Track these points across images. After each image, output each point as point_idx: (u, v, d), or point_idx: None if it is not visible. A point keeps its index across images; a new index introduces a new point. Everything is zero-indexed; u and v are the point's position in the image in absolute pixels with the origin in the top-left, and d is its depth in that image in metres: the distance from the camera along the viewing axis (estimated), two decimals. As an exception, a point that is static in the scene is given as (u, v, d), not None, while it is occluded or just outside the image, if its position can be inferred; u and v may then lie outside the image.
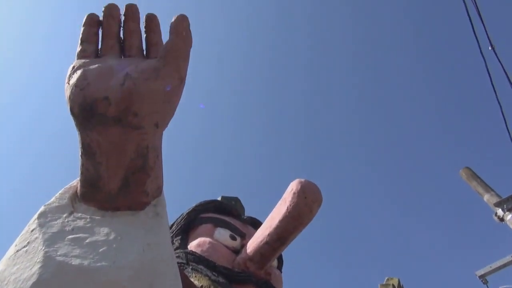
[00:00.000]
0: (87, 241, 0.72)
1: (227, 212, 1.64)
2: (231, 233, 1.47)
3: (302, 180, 1.28)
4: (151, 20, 0.96)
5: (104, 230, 0.75)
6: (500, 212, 7.25)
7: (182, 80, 0.85)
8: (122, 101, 0.76)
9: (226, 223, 1.52)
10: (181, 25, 0.87)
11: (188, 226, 1.53)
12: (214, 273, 1.20)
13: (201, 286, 1.10)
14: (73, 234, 0.73)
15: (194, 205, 1.63)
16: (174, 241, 1.48)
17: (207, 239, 1.40)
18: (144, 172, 0.82)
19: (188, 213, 1.58)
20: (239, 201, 1.97)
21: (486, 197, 7.69)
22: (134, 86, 0.77)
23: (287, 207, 1.25)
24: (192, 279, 1.14)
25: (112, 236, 0.74)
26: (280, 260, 1.67)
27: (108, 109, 0.76)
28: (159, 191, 0.88)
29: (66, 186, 0.90)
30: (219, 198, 1.88)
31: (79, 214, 0.79)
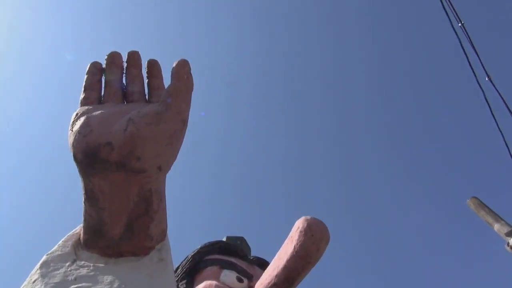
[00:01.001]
0: (90, 290, 0.70)
1: (232, 253, 1.61)
2: (237, 275, 1.43)
3: (308, 217, 1.27)
4: (153, 66, 0.99)
5: (108, 278, 0.73)
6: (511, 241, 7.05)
7: (184, 123, 0.86)
8: (125, 145, 0.76)
9: (232, 264, 1.49)
10: (182, 69, 0.89)
11: (193, 269, 1.50)
12: None
13: (208, 334, 1.05)
14: (75, 284, 0.71)
15: (198, 247, 1.60)
16: (179, 285, 1.45)
17: (213, 282, 1.37)
18: (147, 216, 0.82)
19: (193, 256, 1.55)
20: (245, 240, 1.93)
21: (497, 227, 7.52)
22: (137, 131, 0.78)
23: (294, 246, 1.23)
24: (198, 326, 1.09)
25: (115, 285, 0.72)
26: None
27: (111, 154, 0.76)
28: (163, 235, 0.87)
29: (69, 233, 0.88)
30: (224, 239, 1.85)
31: (82, 262, 0.78)
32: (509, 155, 5.88)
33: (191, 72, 0.92)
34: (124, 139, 0.77)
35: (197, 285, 1.39)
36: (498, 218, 7.69)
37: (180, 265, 1.57)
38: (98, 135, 0.78)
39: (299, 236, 1.22)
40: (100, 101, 0.93)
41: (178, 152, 0.88)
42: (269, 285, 1.26)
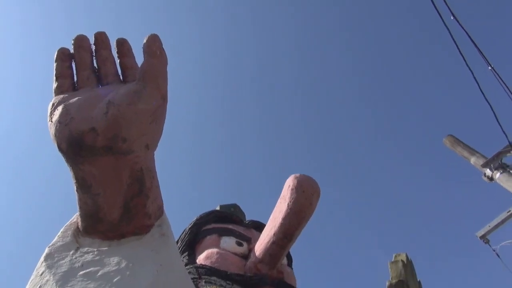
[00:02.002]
0: (99, 273, 0.71)
1: (228, 220, 1.64)
2: (236, 239, 1.47)
3: (297, 175, 1.30)
4: (122, 44, 0.96)
5: (114, 259, 0.75)
6: (488, 172, 7.43)
7: (164, 99, 0.85)
8: (109, 129, 0.76)
9: (230, 230, 1.52)
10: (153, 45, 0.87)
11: (193, 241, 1.53)
12: (228, 282, 1.21)
13: (218, 297, 1.10)
14: (84, 270, 0.72)
15: (194, 219, 1.63)
16: (182, 258, 1.48)
17: (215, 250, 1.40)
18: (142, 195, 0.82)
19: (190, 228, 1.58)
20: (238, 207, 1.98)
21: (473, 160, 7.88)
22: (119, 112, 0.77)
23: (288, 204, 1.26)
24: (207, 292, 1.14)
25: (123, 264, 0.73)
26: (289, 257, 1.68)
27: (96, 139, 0.75)
28: (160, 211, 0.88)
29: (67, 223, 0.89)
30: (217, 208, 1.88)
31: (86, 249, 0.79)
32: (480, 91, 6.06)
33: (163, 46, 0.90)
34: (107, 123, 0.76)
35: (198, 255, 1.43)
36: (473, 151, 8.04)
37: (179, 239, 1.60)
38: (80, 122, 0.77)
39: (291, 194, 1.26)
40: (74, 87, 0.90)
41: (162, 128, 0.87)
42: (269, 244, 1.30)
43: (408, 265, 1.82)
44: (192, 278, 1.27)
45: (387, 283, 1.70)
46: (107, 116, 0.76)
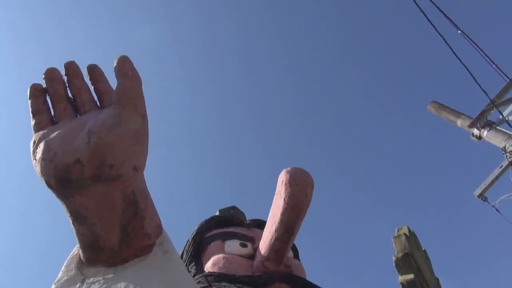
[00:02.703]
0: (108, 302, 0.72)
1: (229, 223, 1.65)
2: (240, 241, 1.49)
3: (289, 169, 1.31)
4: (93, 70, 0.96)
5: (121, 285, 0.76)
6: (476, 131, 7.56)
7: (144, 118, 0.86)
8: (94, 158, 0.76)
9: (232, 233, 1.54)
10: (124, 66, 0.88)
11: (197, 250, 1.54)
12: (238, 285, 1.22)
13: (230, 302, 1.11)
14: (92, 301, 0.73)
15: (196, 228, 1.63)
16: (189, 268, 1.49)
17: (220, 255, 1.41)
18: (139, 217, 0.83)
19: (193, 238, 1.58)
20: (237, 208, 1.99)
21: (459, 122, 8.00)
22: (100, 140, 0.77)
23: (284, 199, 1.28)
24: (219, 299, 1.15)
25: None
26: (295, 249, 1.70)
27: (83, 170, 0.76)
28: (159, 229, 0.89)
29: (68, 257, 0.89)
30: (217, 213, 1.89)
31: (91, 279, 0.79)
32: (455, 56, 6.13)
33: (134, 66, 0.90)
34: (90, 152, 0.76)
35: (205, 263, 1.44)
36: (459, 114, 8.17)
37: (184, 250, 1.60)
38: (64, 156, 0.77)
39: (286, 189, 1.28)
40: (53, 121, 0.90)
41: (147, 147, 0.88)
42: (272, 241, 1.32)
43: (411, 237, 1.86)
44: (202, 287, 1.28)
45: (394, 258, 1.73)
46: (90, 146, 0.76)
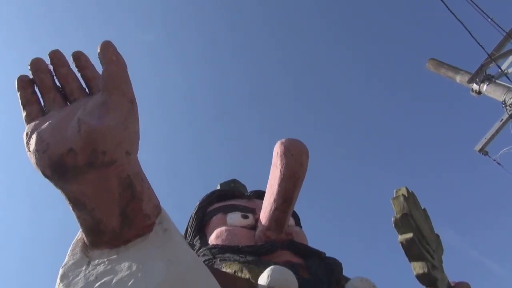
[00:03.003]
0: (113, 281, 0.75)
1: (230, 196, 1.68)
2: (241, 213, 1.52)
3: (283, 140, 1.33)
4: (78, 58, 0.95)
5: (125, 264, 0.79)
6: (475, 86, 7.50)
7: (132, 102, 0.86)
8: (86, 146, 0.77)
9: (234, 206, 1.57)
10: (108, 52, 0.87)
11: (200, 225, 1.58)
12: (241, 255, 1.26)
13: (234, 272, 1.16)
14: (98, 281, 0.76)
15: (198, 203, 1.67)
16: (194, 242, 1.53)
17: (223, 228, 1.45)
18: (136, 199, 0.85)
19: (196, 213, 1.62)
20: (238, 181, 2.01)
21: (458, 78, 7.92)
22: (91, 128, 0.78)
23: (280, 170, 1.30)
24: (224, 269, 1.19)
25: (134, 267, 0.77)
26: (296, 217, 1.74)
27: (76, 159, 0.77)
28: (158, 208, 0.92)
29: (73, 241, 0.92)
30: (218, 187, 1.92)
31: (96, 261, 0.82)
32: (450, 12, 5.97)
33: (117, 49, 0.90)
34: (82, 140, 0.78)
35: (209, 236, 1.48)
36: (457, 70, 8.07)
37: (188, 225, 1.65)
38: (56, 146, 0.78)
39: (281, 160, 1.29)
40: (43, 112, 0.91)
41: (138, 130, 0.89)
42: (271, 211, 1.35)
43: (409, 198, 1.89)
44: (207, 260, 1.32)
45: (393, 219, 1.77)
46: (81, 134, 0.78)
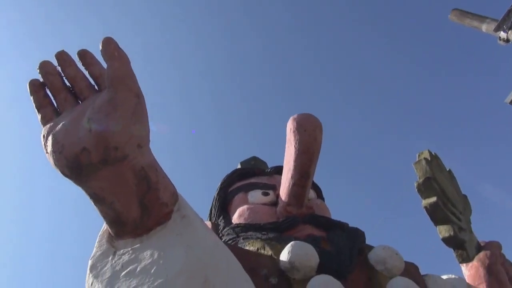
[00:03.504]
0: (138, 269, 0.80)
1: (251, 174, 1.71)
2: (262, 191, 1.55)
3: (295, 116, 1.32)
4: (84, 56, 0.97)
5: (148, 253, 0.83)
6: (502, 34, 7.09)
7: (139, 96, 0.88)
8: (98, 144, 0.80)
9: (254, 184, 1.60)
10: (109, 48, 0.88)
11: (223, 205, 1.62)
12: (263, 232, 1.29)
13: (257, 249, 1.19)
14: (124, 270, 0.81)
15: (219, 184, 1.71)
16: (219, 222, 1.58)
17: (245, 207, 1.49)
18: (152, 189, 0.88)
19: (218, 194, 1.66)
20: (258, 158, 2.03)
21: (484, 27, 7.50)
22: (100, 126, 0.81)
23: (294, 146, 1.30)
24: (247, 248, 1.23)
25: (156, 255, 0.81)
26: (318, 190, 1.76)
27: (90, 157, 0.80)
28: (175, 196, 0.95)
29: (100, 232, 0.97)
30: (238, 166, 1.95)
31: (121, 251, 0.87)
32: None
33: (119, 45, 0.91)
34: (94, 139, 0.80)
35: (233, 216, 1.52)
36: (483, 18, 7.63)
37: (211, 207, 1.70)
38: (71, 146, 0.82)
39: (295, 136, 1.29)
40: (57, 112, 0.94)
41: (147, 122, 0.91)
42: (290, 186, 1.36)
43: (432, 161, 1.85)
44: (231, 239, 1.36)
45: (415, 184, 1.75)
46: (92, 133, 0.80)
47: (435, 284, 1.39)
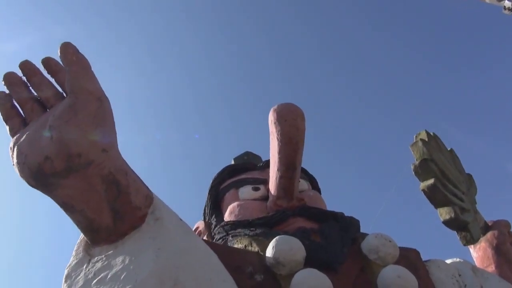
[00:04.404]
0: (108, 277, 0.78)
1: (242, 170, 1.68)
2: (252, 186, 1.52)
3: (275, 107, 1.28)
4: (48, 64, 0.95)
5: (120, 259, 0.81)
6: (507, 3, 6.87)
7: (101, 99, 0.86)
8: (60, 152, 0.79)
9: (244, 180, 1.57)
10: (67, 53, 0.87)
11: (215, 203, 1.60)
12: (251, 228, 1.26)
13: (245, 246, 1.16)
14: (96, 278, 0.79)
15: (210, 182, 1.68)
16: (211, 221, 1.56)
17: (235, 204, 1.46)
18: (123, 193, 0.87)
19: (209, 192, 1.64)
20: (251, 153, 2.00)
21: (487, -2, 7.29)
22: (61, 134, 0.79)
23: (277, 138, 1.27)
24: (236, 245, 1.20)
25: (127, 261, 0.80)
26: (312, 180, 1.72)
27: (54, 165, 0.79)
28: (149, 198, 0.93)
29: (77, 240, 0.96)
30: (232, 162, 1.92)
31: (96, 258, 0.86)
32: None
33: (78, 49, 0.89)
34: (55, 147, 0.79)
35: (224, 213, 1.50)
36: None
37: (205, 206, 1.68)
38: (33, 156, 0.80)
39: (276, 127, 1.26)
40: (25, 123, 0.93)
41: (113, 125, 0.89)
42: (277, 180, 1.33)
43: (430, 141, 1.79)
44: (221, 237, 1.34)
45: (412, 167, 1.70)
46: (53, 141, 0.79)
47: (438, 269, 1.35)
